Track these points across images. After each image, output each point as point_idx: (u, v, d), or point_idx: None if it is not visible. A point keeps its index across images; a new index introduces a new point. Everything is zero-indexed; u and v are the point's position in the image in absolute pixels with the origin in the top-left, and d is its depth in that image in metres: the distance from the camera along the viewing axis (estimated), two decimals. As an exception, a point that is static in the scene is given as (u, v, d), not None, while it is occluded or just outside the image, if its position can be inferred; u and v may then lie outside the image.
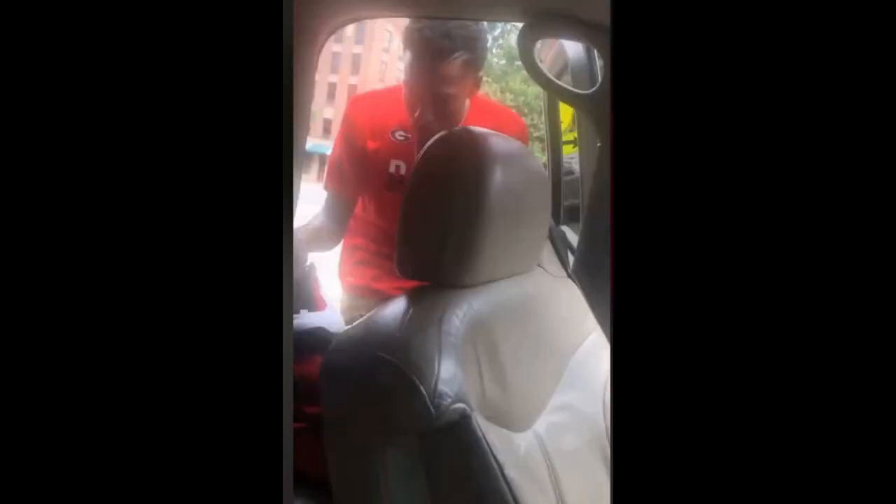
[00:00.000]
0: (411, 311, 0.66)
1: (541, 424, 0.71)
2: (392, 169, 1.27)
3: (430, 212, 0.71)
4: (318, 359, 0.94)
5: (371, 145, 1.28)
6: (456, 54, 1.15)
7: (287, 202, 0.42)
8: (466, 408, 0.60)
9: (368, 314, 0.70)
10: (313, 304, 1.01)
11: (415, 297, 0.70)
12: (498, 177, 0.68)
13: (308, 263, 1.05)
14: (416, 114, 1.19)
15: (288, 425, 0.42)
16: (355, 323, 0.69)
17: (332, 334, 0.94)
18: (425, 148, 0.74)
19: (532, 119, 11.87)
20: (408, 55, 1.18)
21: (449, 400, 0.58)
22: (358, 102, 1.35)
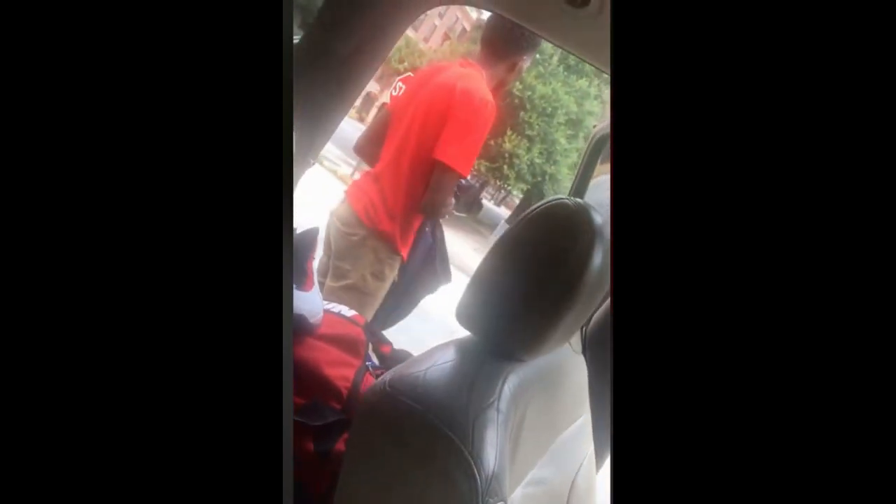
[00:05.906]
0: (475, 385, 0.62)
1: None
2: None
3: (519, 277, 0.66)
4: (300, 344, 0.92)
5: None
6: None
7: (287, 200, 0.42)
8: None
9: (420, 363, 0.64)
10: (303, 279, 0.96)
11: (473, 362, 0.66)
12: (597, 262, 0.64)
13: (314, 227, 0.99)
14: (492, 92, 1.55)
15: (288, 424, 0.42)
16: (403, 365, 0.64)
17: (311, 325, 0.92)
18: (534, 211, 0.69)
19: (529, 116, 12.42)
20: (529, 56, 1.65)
21: (495, 498, 0.57)
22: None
